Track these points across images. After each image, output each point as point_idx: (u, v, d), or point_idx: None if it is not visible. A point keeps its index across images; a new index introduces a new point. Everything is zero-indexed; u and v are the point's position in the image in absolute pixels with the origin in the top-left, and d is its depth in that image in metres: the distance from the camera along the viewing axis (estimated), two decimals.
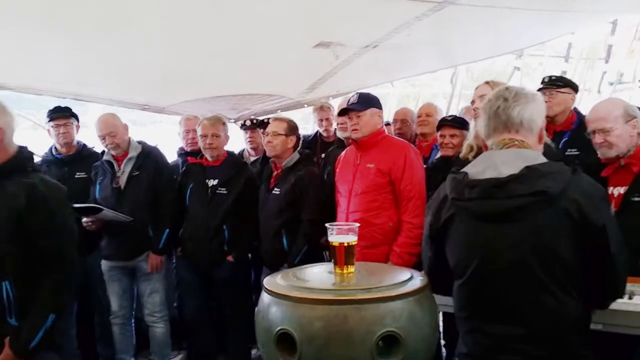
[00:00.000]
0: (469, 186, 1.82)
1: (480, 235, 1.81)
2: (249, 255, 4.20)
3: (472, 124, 3.22)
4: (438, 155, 3.99)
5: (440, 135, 3.87)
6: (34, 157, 2.53)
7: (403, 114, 4.80)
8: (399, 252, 3.32)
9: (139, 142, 4.13)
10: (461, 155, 3.13)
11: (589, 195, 1.73)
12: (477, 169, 1.87)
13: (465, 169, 1.90)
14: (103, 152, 4.15)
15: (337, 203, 3.61)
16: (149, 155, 4.08)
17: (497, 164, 1.82)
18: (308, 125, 7.25)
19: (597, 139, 2.70)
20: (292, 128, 3.88)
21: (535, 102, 1.91)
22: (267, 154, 3.98)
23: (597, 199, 1.75)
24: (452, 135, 3.77)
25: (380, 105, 3.57)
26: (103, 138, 3.98)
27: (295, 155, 3.89)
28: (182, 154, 4.68)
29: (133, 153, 4.03)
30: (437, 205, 1.94)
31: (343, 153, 3.74)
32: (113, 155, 4.03)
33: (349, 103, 3.51)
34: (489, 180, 1.79)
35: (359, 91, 3.60)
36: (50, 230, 2.27)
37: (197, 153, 4.25)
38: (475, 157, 2.97)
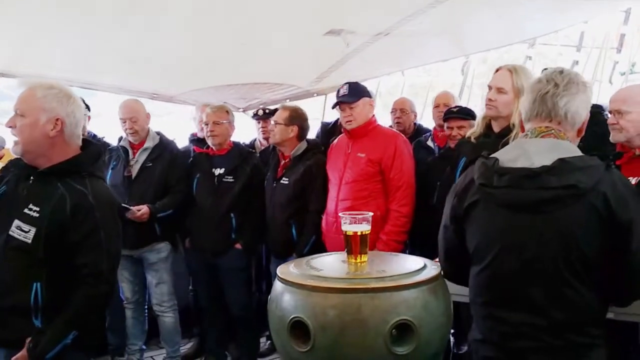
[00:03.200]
0: (498, 173, 1.78)
1: (504, 224, 1.78)
2: (262, 245, 4.20)
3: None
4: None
5: (448, 127, 3.85)
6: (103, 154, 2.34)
7: (401, 103, 4.79)
8: (386, 239, 3.39)
9: (157, 133, 4.11)
10: (473, 136, 2.99)
11: (619, 192, 1.68)
12: (509, 156, 1.82)
13: (496, 155, 1.85)
14: (120, 138, 4.14)
15: (327, 190, 3.66)
16: (165, 149, 4.05)
17: (530, 153, 1.77)
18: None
19: (612, 119, 2.67)
20: (293, 117, 3.87)
21: (585, 93, 1.84)
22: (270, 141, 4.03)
23: (628, 196, 1.70)
24: (459, 127, 3.75)
25: (371, 94, 3.60)
26: (124, 121, 3.97)
27: (303, 145, 3.89)
28: (193, 140, 4.67)
29: (149, 144, 4.01)
30: (462, 189, 1.90)
31: (335, 141, 3.76)
32: (130, 142, 4.03)
33: (340, 95, 3.53)
34: (521, 170, 1.75)
35: (348, 81, 3.57)
36: (89, 247, 2.12)
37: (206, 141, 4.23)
38: (477, 138, 2.93)
